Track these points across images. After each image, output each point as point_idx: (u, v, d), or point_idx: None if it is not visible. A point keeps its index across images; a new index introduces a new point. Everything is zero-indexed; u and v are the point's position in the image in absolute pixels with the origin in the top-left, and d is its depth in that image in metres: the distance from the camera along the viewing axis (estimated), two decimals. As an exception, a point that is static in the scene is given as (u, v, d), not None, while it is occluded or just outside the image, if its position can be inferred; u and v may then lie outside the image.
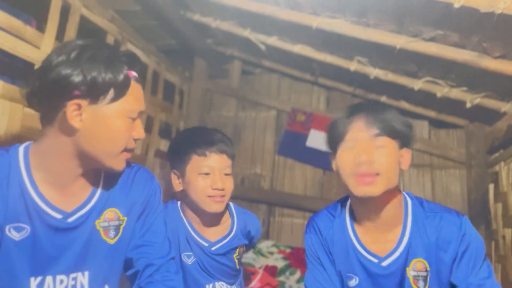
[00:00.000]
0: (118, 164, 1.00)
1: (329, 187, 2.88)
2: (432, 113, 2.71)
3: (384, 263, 1.14)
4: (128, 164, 1.12)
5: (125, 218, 1.07)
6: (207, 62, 3.05)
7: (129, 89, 0.95)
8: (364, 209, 1.16)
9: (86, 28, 1.84)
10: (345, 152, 1.13)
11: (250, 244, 1.51)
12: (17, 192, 0.94)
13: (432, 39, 1.76)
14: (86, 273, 1.02)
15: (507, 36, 1.52)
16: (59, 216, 0.97)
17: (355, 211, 1.20)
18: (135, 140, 1.02)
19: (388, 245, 1.15)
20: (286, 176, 2.95)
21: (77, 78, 0.88)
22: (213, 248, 1.39)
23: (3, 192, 0.93)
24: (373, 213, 1.15)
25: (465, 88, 2.12)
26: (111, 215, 1.05)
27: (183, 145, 1.38)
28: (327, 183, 2.88)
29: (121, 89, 0.93)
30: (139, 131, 1.01)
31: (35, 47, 1.51)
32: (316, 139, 2.86)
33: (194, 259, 1.38)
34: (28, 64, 1.51)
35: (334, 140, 1.17)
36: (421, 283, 1.12)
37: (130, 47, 2.23)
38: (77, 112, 0.90)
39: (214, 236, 1.42)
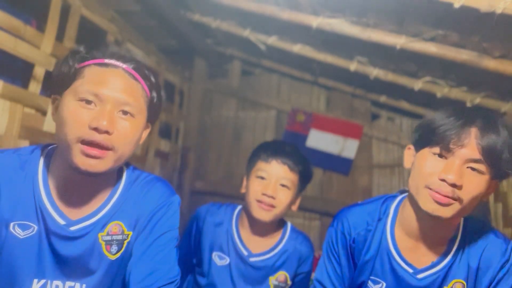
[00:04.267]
0: (76, 158, 0.86)
1: (329, 187, 2.87)
2: (432, 113, 2.69)
3: (420, 276, 1.08)
4: (150, 176, 1.07)
5: (130, 233, 0.99)
6: (207, 62, 3.05)
7: (85, 73, 0.91)
8: (420, 223, 1.07)
9: (86, 28, 1.84)
10: (431, 157, 1.00)
11: (299, 272, 1.43)
12: (30, 190, 0.93)
13: (432, 39, 1.76)
14: (84, 286, 0.97)
15: (507, 36, 1.51)
16: (62, 222, 0.94)
17: (404, 220, 1.11)
18: (97, 130, 0.86)
19: (427, 257, 1.09)
20: (286, 176, 2.94)
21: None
22: (251, 259, 1.40)
23: (15, 189, 0.92)
24: (428, 230, 1.07)
25: (465, 88, 2.12)
26: (115, 228, 0.98)
27: (255, 151, 1.46)
28: (327, 183, 2.88)
29: (68, 71, 0.92)
30: (97, 118, 0.85)
31: (35, 47, 1.51)
32: (316, 140, 2.86)
33: (227, 262, 1.39)
34: (28, 64, 1.51)
35: (428, 137, 1.02)
36: None
37: (130, 47, 2.23)
38: (54, 106, 0.95)
39: (257, 248, 1.42)
